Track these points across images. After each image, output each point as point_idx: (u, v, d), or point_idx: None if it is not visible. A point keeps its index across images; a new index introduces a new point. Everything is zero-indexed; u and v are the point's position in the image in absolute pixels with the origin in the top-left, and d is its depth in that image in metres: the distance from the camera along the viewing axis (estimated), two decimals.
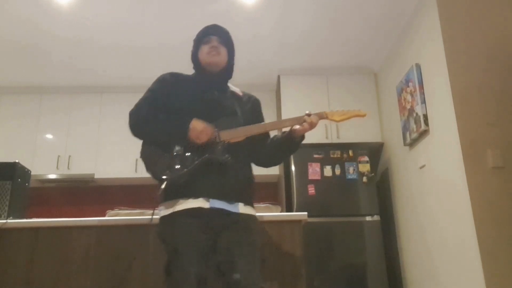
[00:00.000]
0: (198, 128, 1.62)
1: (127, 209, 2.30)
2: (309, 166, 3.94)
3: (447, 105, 2.86)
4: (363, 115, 1.81)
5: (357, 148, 4.03)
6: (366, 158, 3.98)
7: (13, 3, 3.31)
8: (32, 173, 2.77)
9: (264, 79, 4.61)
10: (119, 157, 4.42)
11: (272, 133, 1.87)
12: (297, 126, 1.73)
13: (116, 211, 2.29)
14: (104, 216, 2.28)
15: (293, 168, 3.95)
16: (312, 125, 1.72)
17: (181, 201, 1.61)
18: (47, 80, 4.57)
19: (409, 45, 3.56)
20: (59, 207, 4.67)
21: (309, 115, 1.73)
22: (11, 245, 2.10)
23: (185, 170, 1.60)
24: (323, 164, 3.95)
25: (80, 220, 2.14)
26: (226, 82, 1.88)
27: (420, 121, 3.22)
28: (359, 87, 4.40)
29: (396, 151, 3.90)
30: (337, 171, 3.94)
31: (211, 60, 1.79)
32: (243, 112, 1.79)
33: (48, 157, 4.43)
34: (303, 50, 4.10)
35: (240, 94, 1.88)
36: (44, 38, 3.79)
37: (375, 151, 4.27)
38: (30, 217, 2.41)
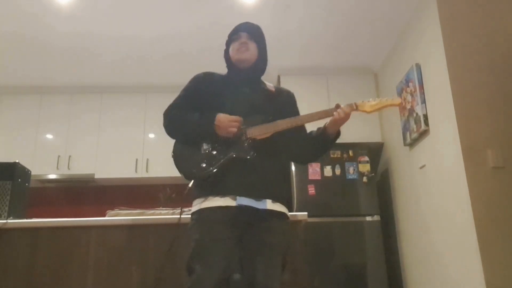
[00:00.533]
0: (224, 122, 1.63)
1: (127, 209, 2.30)
2: (309, 166, 3.94)
3: (447, 105, 2.86)
4: (398, 104, 1.70)
5: (357, 148, 4.02)
6: (366, 158, 3.98)
7: (13, 3, 3.31)
8: (32, 173, 2.76)
9: (264, 79, 4.60)
10: (119, 157, 4.42)
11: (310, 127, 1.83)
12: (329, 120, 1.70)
13: (116, 211, 2.29)
14: (104, 216, 2.28)
15: (293, 168, 3.95)
16: (343, 116, 1.67)
17: (209, 198, 1.61)
18: (47, 80, 4.57)
19: (409, 45, 3.56)
20: (59, 207, 4.67)
21: (338, 106, 1.70)
22: (11, 245, 2.09)
23: (211, 168, 1.61)
24: (323, 164, 3.95)
25: (80, 220, 2.14)
26: (258, 78, 1.88)
27: (420, 121, 3.22)
28: (359, 87, 4.40)
29: (396, 151, 3.90)
30: (337, 171, 3.94)
31: (240, 57, 1.80)
32: (274, 108, 1.77)
33: (48, 157, 4.43)
34: (303, 50, 4.10)
35: (273, 89, 1.87)
36: (44, 38, 3.79)
37: (375, 151, 4.27)
38: (30, 217, 2.40)
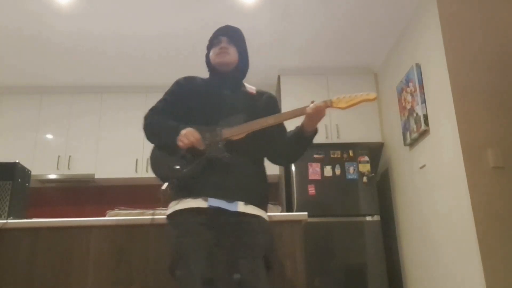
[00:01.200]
0: (185, 137, 1.61)
1: (127, 209, 2.30)
2: (309, 166, 3.94)
3: (447, 105, 2.86)
4: (373, 99, 1.66)
5: (357, 148, 4.02)
6: (366, 158, 3.98)
7: (13, 4, 3.31)
8: (32, 173, 2.76)
9: (264, 79, 4.61)
10: (119, 157, 4.42)
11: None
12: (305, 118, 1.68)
13: (116, 211, 2.29)
14: (104, 216, 2.28)
15: (293, 168, 3.95)
16: (318, 112, 1.64)
17: (182, 200, 1.62)
18: (47, 80, 4.57)
19: (409, 45, 3.56)
20: (59, 207, 4.67)
21: (312, 103, 1.67)
22: (11, 245, 2.09)
23: (184, 170, 1.61)
24: (323, 164, 3.95)
25: (80, 220, 2.14)
26: (239, 81, 1.88)
27: (420, 121, 3.22)
28: (359, 87, 4.39)
29: (396, 151, 3.90)
30: (337, 171, 3.94)
31: (221, 60, 1.80)
32: (254, 110, 1.77)
33: (48, 157, 4.43)
34: (303, 50, 4.10)
35: (254, 92, 1.88)
36: (44, 38, 3.79)
37: (375, 151, 4.27)
38: (30, 217, 2.40)
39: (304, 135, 1.72)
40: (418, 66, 3.33)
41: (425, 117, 3.19)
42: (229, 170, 1.63)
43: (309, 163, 3.94)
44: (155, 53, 4.08)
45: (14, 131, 4.51)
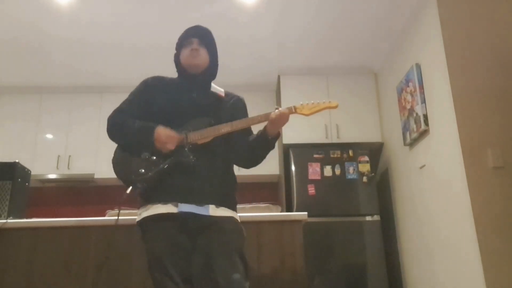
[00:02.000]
0: (163, 137, 1.61)
1: (127, 209, 2.30)
2: (309, 166, 3.94)
3: (447, 105, 2.86)
4: (334, 106, 1.73)
5: (357, 148, 4.03)
6: (366, 158, 3.98)
7: (13, 3, 3.31)
8: (32, 173, 2.77)
9: (264, 79, 4.62)
10: None
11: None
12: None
13: (116, 211, 2.29)
14: (104, 216, 2.28)
15: (293, 168, 3.95)
16: (281, 117, 1.66)
17: (150, 206, 1.60)
18: (47, 80, 4.57)
19: (409, 45, 3.56)
20: (59, 207, 4.67)
21: (277, 109, 1.69)
22: (11, 245, 2.09)
23: (149, 174, 1.59)
24: (323, 164, 3.95)
25: (80, 220, 2.14)
26: (208, 83, 1.85)
27: (420, 121, 3.22)
28: (359, 87, 4.40)
29: (396, 151, 3.90)
30: (337, 171, 3.94)
31: (191, 62, 1.78)
32: (222, 113, 1.76)
33: (48, 157, 4.43)
34: (303, 50, 4.10)
35: (222, 94, 1.85)
36: (44, 38, 3.79)
37: (375, 151, 4.27)
38: (30, 217, 2.41)
39: (266, 138, 1.72)
40: (418, 66, 3.33)
41: (425, 117, 3.19)
42: (197, 174, 1.62)
43: (309, 163, 3.95)
44: (155, 52, 4.08)
45: (14, 131, 4.51)
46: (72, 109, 4.63)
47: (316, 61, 4.31)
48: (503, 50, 2.87)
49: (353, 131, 4.24)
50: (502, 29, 2.92)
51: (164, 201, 1.58)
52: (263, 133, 1.71)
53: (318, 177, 3.91)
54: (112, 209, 2.35)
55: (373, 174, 3.95)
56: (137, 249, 2.09)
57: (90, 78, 4.56)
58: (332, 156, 3.98)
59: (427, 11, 3.17)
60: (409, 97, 3.46)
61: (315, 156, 3.97)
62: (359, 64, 4.38)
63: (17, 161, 2.52)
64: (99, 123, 4.58)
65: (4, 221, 2.12)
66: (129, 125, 1.70)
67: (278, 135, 1.73)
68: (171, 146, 1.61)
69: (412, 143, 3.49)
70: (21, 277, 2.05)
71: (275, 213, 2.23)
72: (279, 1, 3.38)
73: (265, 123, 1.71)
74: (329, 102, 1.73)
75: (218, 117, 1.72)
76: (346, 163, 3.96)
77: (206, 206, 1.59)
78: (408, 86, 3.47)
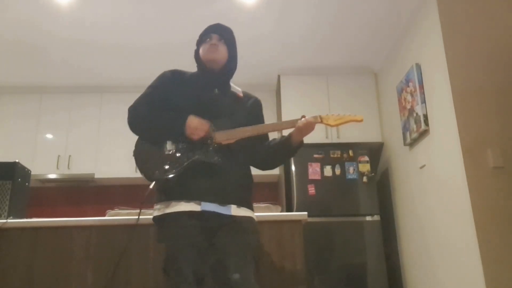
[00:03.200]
0: (193, 124, 1.63)
1: (127, 209, 2.30)
2: (309, 166, 3.94)
3: (447, 105, 2.86)
4: (360, 120, 1.73)
5: (357, 148, 4.02)
6: (366, 158, 3.98)
7: (13, 3, 3.31)
8: (32, 173, 2.76)
9: (264, 79, 4.61)
10: (119, 157, 4.42)
11: (272, 135, 1.86)
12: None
13: (116, 211, 2.29)
14: (104, 216, 2.28)
15: (293, 168, 3.95)
16: (308, 126, 1.68)
17: (173, 203, 1.61)
18: (47, 80, 4.57)
19: (409, 45, 3.56)
20: (59, 207, 4.67)
21: (303, 117, 1.71)
22: (11, 245, 2.09)
23: (174, 171, 1.60)
24: (323, 164, 3.95)
25: (80, 220, 2.14)
26: (228, 80, 1.87)
27: (420, 121, 3.22)
28: (359, 87, 4.40)
29: (396, 151, 3.90)
30: (337, 171, 3.94)
31: (210, 57, 1.79)
32: (241, 113, 1.78)
33: (48, 157, 4.43)
34: (303, 50, 4.10)
35: (241, 95, 1.87)
36: (44, 38, 3.79)
37: (375, 151, 4.27)
38: (30, 217, 2.41)
39: (291, 146, 1.74)
40: (418, 66, 3.33)
41: (425, 117, 3.19)
42: (220, 174, 1.64)
43: (309, 163, 3.94)
44: (155, 53, 4.08)
45: (14, 131, 4.51)
46: (72, 109, 4.63)
47: (316, 61, 4.31)
48: (503, 50, 2.87)
49: (353, 131, 4.24)
50: (502, 29, 2.92)
51: (187, 199, 1.59)
52: (287, 140, 1.74)
53: (318, 177, 3.91)
54: (112, 209, 2.35)
55: (373, 174, 3.95)
56: (137, 249, 2.09)
57: (90, 78, 4.56)
58: (332, 156, 3.98)
59: (427, 11, 3.17)
60: (409, 97, 3.46)
61: (315, 156, 3.97)
62: (359, 64, 4.38)
63: (17, 161, 2.52)
64: (99, 123, 4.58)
65: (4, 221, 2.12)
66: (157, 114, 1.70)
67: (301, 144, 1.76)
68: (201, 133, 1.63)
69: (412, 143, 3.49)
70: (21, 277, 2.05)
71: (275, 213, 2.23)
72: (279, 1, 3.38)
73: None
74: (355, 115, 1.74)
75: (238, 118, 1.74)
76: (346, 163, 3.96)
77: (228, 206, 1.61)
78: (408, 86, 3.47)
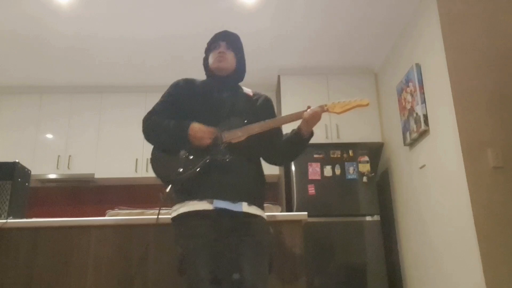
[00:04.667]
0: (198, 133, 1.67)
1: (127, 209, 2.30)
2: (309, 166, 3.94)
3: (447, 105, 2.86)
4: (366, 104, 1.73)
5: (357, 148, 4.02)
6: (366, 158, 3.98)
7: (13, 4, 3.31)
8: (32, 173, 2.76)
9: (264, 79, 4.61)
10: (119, 157, 4.42)
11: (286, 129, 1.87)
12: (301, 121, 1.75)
13: (116, 211, 2.29)
14: (104, 216, 2.28)
15: (293, 168, 3.95)
16: (314, 116, 1.71)
17: (187, 203, 1.64)
18: (47, 80, 4.57)
19: (409, 45, 3.56)
20: (59, 207, 4.67)
21: (309, 108, 1.74)
22: (11, 245, 2.09)
23: (188, 173, 1.64)
24: (323, 164, 3.95)
25: (80, 220, 2.14)
26: (236, 84, 1.93)
27: (420, 121, 3.22)
28: (359, 87, 4.40)
29: (396, 151, 3.90)
30: (337, 171, 3.94)
31: (218, 66, 1.84)
32: (252, 112, 1.81)
33: (48, 157, 4.43)
34: (303, 50, 4.10)
35: (251, 94, 1.91)
36: (44, 38, 3.79)
37: (375, 151, 4.27)
38: (30, 217, 2.40)
39: (302, 138, 1.78)
40: (418, 66, 3.33)
41: (425, 117, 3.19)
42: (232, 172, 1.67)
43: (309, 163, 3.94)
44: (155, 53, 4.08)
45: (14, 131, 4.51)
46: (72, 109, 4.63)
47: (316, 61, 4.31)
48: (503, 50, 2.87)
49: (353, 131, 4.24)
50: (502, 29, 2.91)
51: (200, 198, 1.63)
52: (297, 132, 1.77)
53: (318, 177, 3.91)
54: (112, 209, 2.35)
55: (373, 174, 3.95)
56: (137, 249, 2.09)
57: (90, 79, 4.56)
58: (332, 156, 3.98)
59: (427, 11, 3.17)
60: (409, 97, 3.46)
61: (315, 156, 3.97)
62: (359, 64, 4.38)
63: (17, 161, 2.52)
64: (99, 123, 4.58)
65: (4, 221, 2.12)
66: (164, 125, 1.75)
67: (311, 134, 1.79)
68: (207, 141, 1.67)
69: (412, 143, 3.49)
70: (21, 277, 2.05)
71: (275, 213, 2.23)
72: (279, 1, 3.38)
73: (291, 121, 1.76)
74: (360, 100, 1.74)
75: (250, 117, 1.77)
76: (346, 163, 3.96)
77: (239, 203, 1.64)
78: (408, 86, 3.47)
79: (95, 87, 4.71)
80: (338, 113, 1.75)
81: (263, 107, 1.89)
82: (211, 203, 1.61)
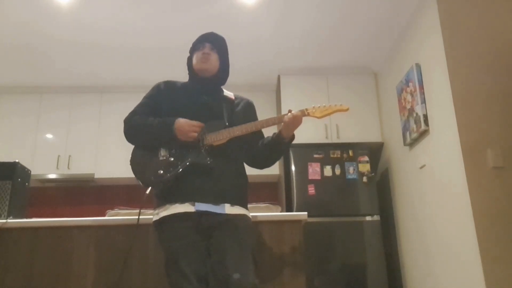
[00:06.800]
0: (185, 126, 1.67)
1: (127, 209, 2.30)
2: (309, 166, 3.94)
3: (447, 105, 2.86)
4: (345, 110, 1.76)
5: (357, 148, 4.03)
6: (366, 158, 3.98)
7: (13, 4, 3.31)
8: (32, 173, 2.76)
9: (264, 79, 4.61)
10: (119, 157, 4.41)
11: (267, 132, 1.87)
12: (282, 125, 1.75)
13: (116, 211, 2.29)
14: (104, 216, 2.28)
15: (293, 168, 3.95)
16: (294, 120, 1.71)
17: (168, 206, 1.65)
18: (47, 80, 4.57)
19: (409, 45, 3.56)
20: (59, 207, 4.66)
21: (290, 111, 1.74)
22: (11, 245, 2.09)
23: (168, 175, 1.65)
24: (323, 164, 3.95)
25: (80, 220, 2.14)
26: (218, 87, 1.92)
27: (420, 121, 3.22)
28: (359, 87, 4.40)
29: (396, 151, 3.90)
30: (337, 171, 3.94)
31: (201, 67, 1.85)
32: (233, 115, 1.81)
33: (48, 157, 4.42)
34: (303, 50, 4.10)
35: (233, 97, 1.91)
36: (44, 38, 3.79)
37: (375, 151, 4.27)
38: (30, 217, 2.41)
39: (282, 141, 1.78)
40: (418, 66, 3.33)
41: (425, 117, 3.19)
42: (213, 174, 1.68)
43: (309, 163, 3.94)
44: (155, 53, 4.08)
45: (14, 131, 4.51)
46: (72, 109, 4.63)
47: (316, 61, 4.31)
48: (503, 50, 2.87)
49: (353, 131, 4.24)
50: (502, 29, 2.92)
51: (182, 201, 1.63)
52: (278, 136, 1.77)
53: (318, 177, 3.91)
54: (112, 209, 2.35)
55: (373, 174, 3.95)
56: (137, 249, 2.09)
57: (90, 79, 4.56)
58: (332, 156, 3.98)
59: (427, 11, 3.17)
60: (409, 97, 3.46)
61: (315, 156, 3.97)
62: (359, 64, 4.38)
63: (17, 161, 2.52)
64: (99, 123, 4.58)
65: (4, 221, 2.12)
66: (148, 122, 1.75)
67: (293, 138, 1.79)
68: (194, 134, 1.67)
69: (412, 143, 3.49)
70: (21, 277, 2.05)
71: (275, 213, 2.23)
72: (279, 1, 3.38)
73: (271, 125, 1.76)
74: (340, 105, 1.76)
75: (231, 120, 1.78)
76: (346, 163, 3.96)
77: (222, 205, 1.65)
78: (408, 86, 3.47)
79: (95, 88, 4.71)
80: (318, 117, 1.77)
81: (244, 111, 1.89)
82: (193, 205, 1.62)
